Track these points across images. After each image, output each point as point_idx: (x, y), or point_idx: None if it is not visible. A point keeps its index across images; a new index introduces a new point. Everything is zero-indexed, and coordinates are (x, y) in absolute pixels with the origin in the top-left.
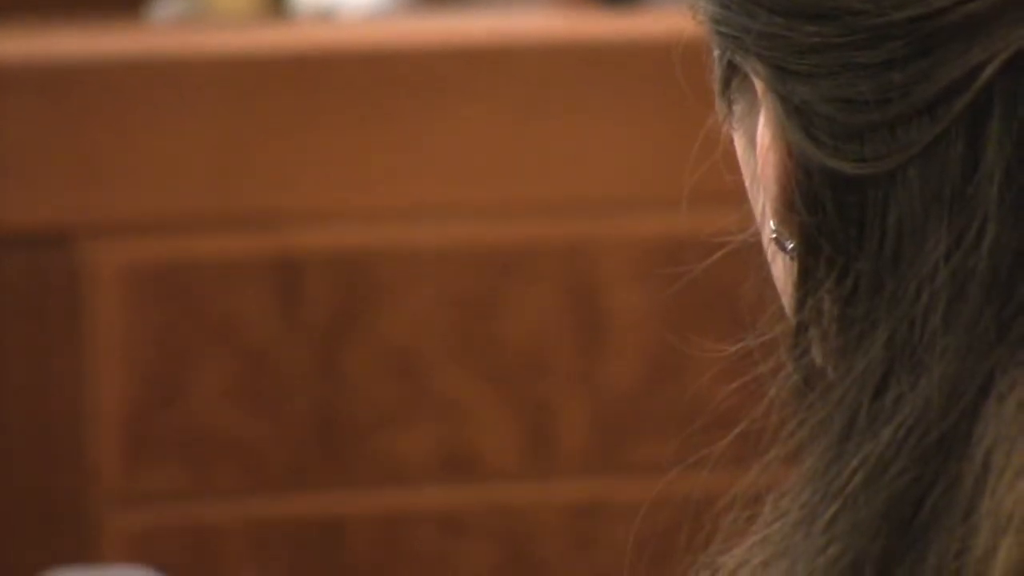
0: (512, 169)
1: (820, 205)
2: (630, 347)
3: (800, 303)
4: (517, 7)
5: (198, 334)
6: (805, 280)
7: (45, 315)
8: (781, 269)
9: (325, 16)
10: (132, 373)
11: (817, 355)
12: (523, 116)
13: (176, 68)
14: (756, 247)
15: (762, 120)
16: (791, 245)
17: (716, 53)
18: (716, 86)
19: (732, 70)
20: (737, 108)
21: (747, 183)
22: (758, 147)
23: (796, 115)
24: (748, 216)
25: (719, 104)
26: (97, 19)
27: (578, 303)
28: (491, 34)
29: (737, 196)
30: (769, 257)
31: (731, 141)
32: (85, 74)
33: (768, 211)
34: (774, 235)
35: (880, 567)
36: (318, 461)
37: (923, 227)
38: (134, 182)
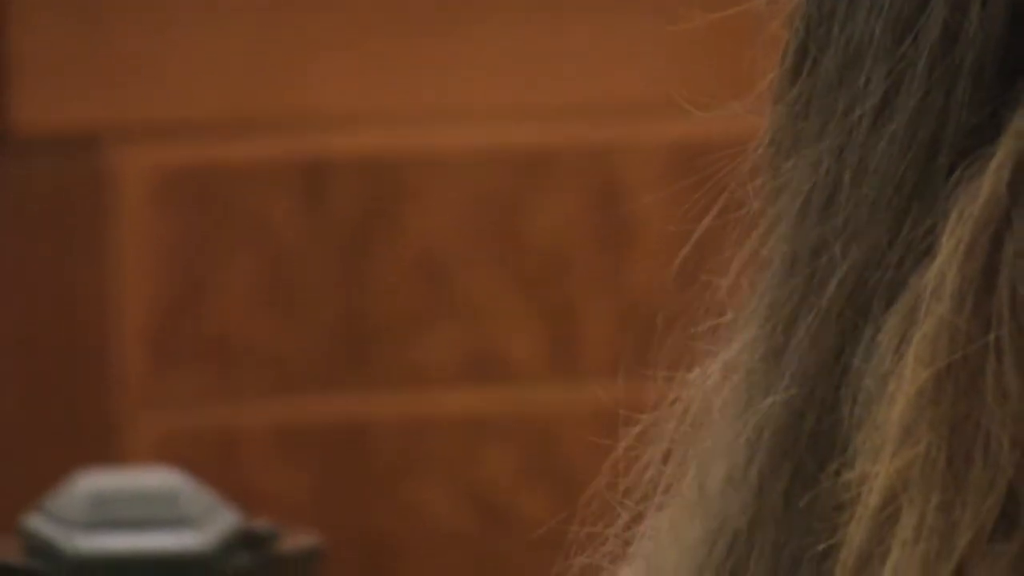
0: (538, 72)
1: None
2: (655, 249)
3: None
4: None
5: (224, 237)
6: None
7: (71, 218)
8: None
9: None
10: (157, 277)
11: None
12: (549, 18)
13: None
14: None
15: None
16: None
17: None
18: None
19: None
20: None
21: None
22: None
23: None
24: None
25: None
26: None
27: (603, 205)
28: None
29: (764, 100)
30: None
31: (760, 43)
32: None
33: None
34: None
35: (818, 415)
36: (343, 364)
37: (864, 58)
38: (161, 86)
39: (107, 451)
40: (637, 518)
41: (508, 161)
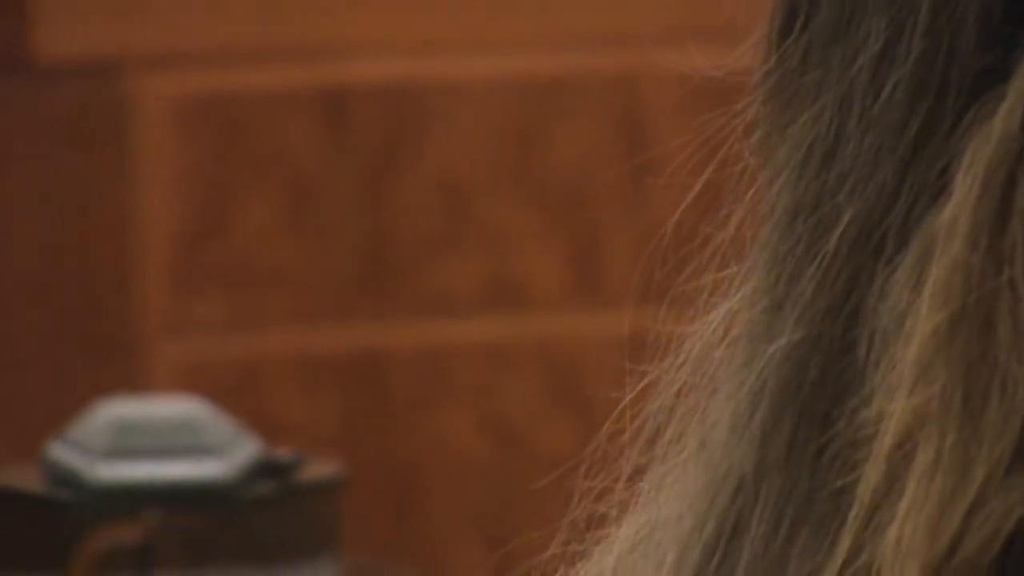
0: (561, 0)
1: None
2: (676, 177)
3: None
4: None
5: (245, 165)
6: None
7: (92, 147)
8: None
9: None
10: (179, 205)
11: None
12: None
13: None
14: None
15: None
16: None
17: None
18: None
19: None
20: None
21: None
22: None
23: None
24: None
25: None
26: None
27: (626, 133)
28: None
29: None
30: None
31: None
32: None
33: None
34: None
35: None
36: (364, 292)
37: (862, 10)
38: (183, 13)
39: (129, 380)
40: (641, 469)
41: (530, 89)
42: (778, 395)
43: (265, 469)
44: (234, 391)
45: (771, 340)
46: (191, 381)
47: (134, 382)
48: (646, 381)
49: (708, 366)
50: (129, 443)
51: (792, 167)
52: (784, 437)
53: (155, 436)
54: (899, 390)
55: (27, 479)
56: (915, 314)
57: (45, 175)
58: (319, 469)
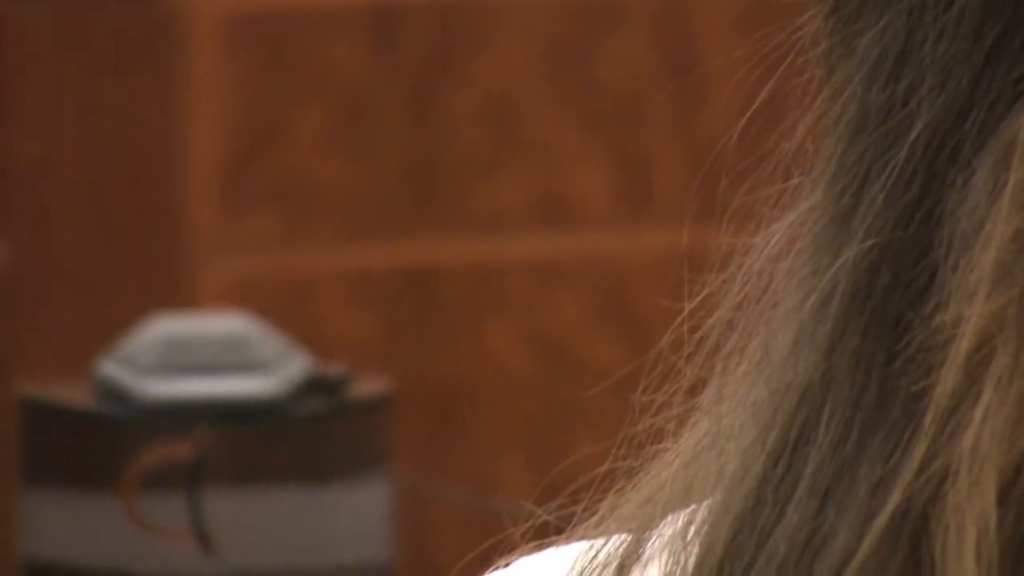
0: None
1: None
2: (725, 94)
3: None
4: None
5: (294, 82)
6: None
7: (141, 66)
8: None
9: None
10: (227, 122)
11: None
12: None
13: None
14: None
15: None
16: None
17: None
18: None
19: None
20: None
21: None
22: None
23: None
24: None
25: None
26: None
27: (674, 49)
28: None
29: None
30: None
31: None
32: None
33: None
34: None
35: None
36: (413, 209)
37: None
38: None
39: (179, 297)
40: (701, 382)
41: (579, 5)
42: (847, 303)
43: (314, 385)
44: (284, 308)
45: (839, 250)
46: (241, 298)
47: (184, 299)
48: (703, 295)
49: (770, 279)
50: (179, 359)
51: (859, 78)
52: (853, 344)
53: (205, 352)
54: (977, 294)
55: (78, 396)
56: (994, 218)
57: (95, 95)
58: (368, 385)
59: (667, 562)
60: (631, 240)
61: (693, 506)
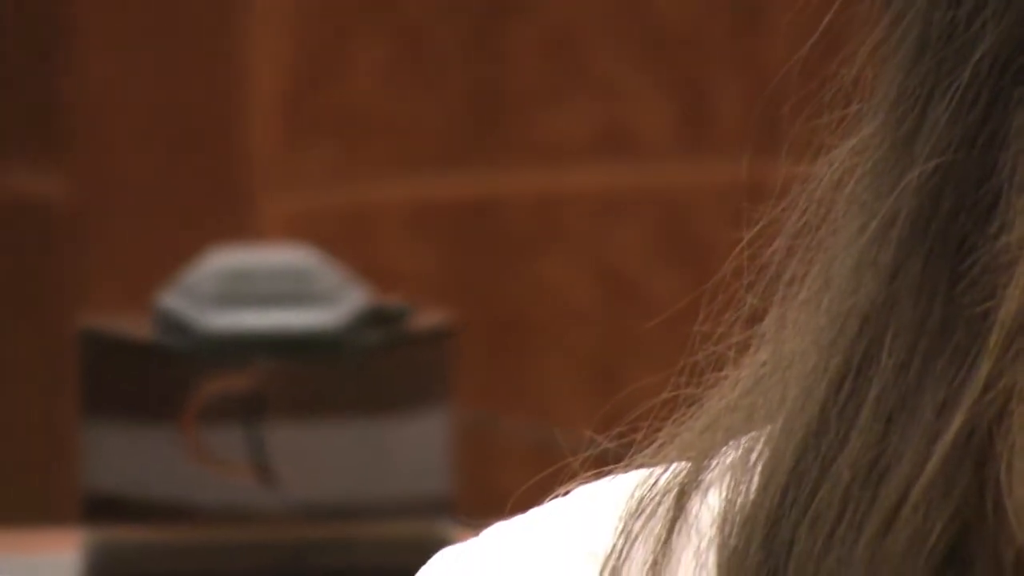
0: None
1: None
2: (786, 22)
3: None
4: None
5: (354, 12)
6: None
7: None
8: None
9: None
10: (289, 53)
11: None
12: None
13: None
14: None
15: None
16: None
17: None
18: None
19: None
20: None
21: None
22: None
23: None
24: None
25: None
26: None
27: None
28: None
29: None
30: None
31: None
32: None
33: None
34: None
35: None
36: (473, 140)
37: None
38: None
39: (239, 229)
40: (762, 310)
41: None
42: (909, 227)
43: (375, 318)
44: (344, 239)
45: (901, 174)
46: (301, 230)
47: (245, 231)
48: (764, 224)
49: (830, 205)
50: (240, 292)
51: (921, 1)
52: (916, 268)
53: (266, 285)
54: None
55: (139, 328)
56: None
57: (156, 27)
58: (429, 318)
59: (728, 488)
60: (691, 171)
61: (754, 433)
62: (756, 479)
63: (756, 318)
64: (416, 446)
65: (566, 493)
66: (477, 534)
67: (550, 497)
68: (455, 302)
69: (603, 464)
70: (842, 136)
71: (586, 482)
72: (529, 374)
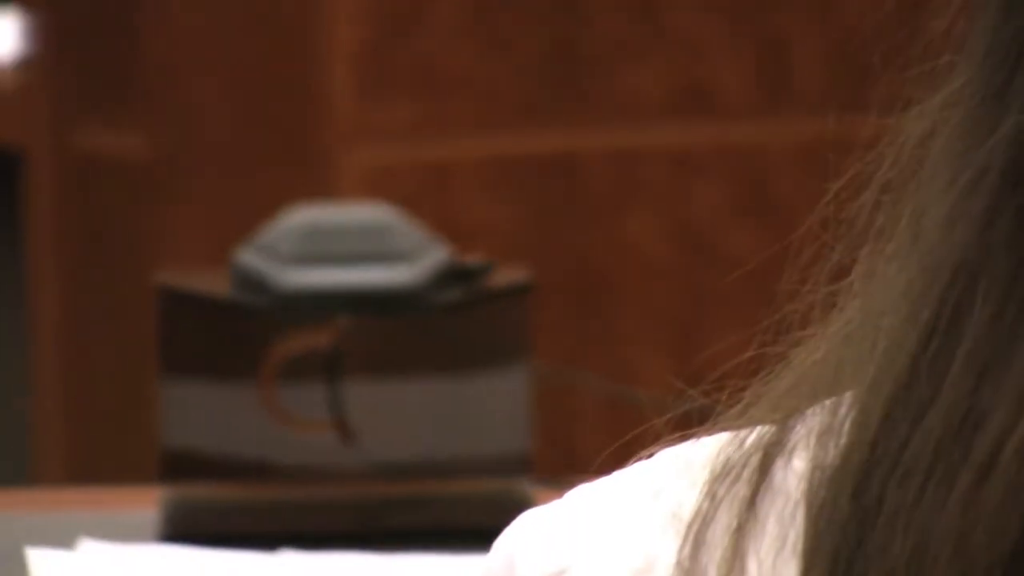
0: None
1: None
2: None
3: None
4: None
5: None
6: None
7: None
8: None
9: None
10: (367, 9)
11: None
12: None
13: None
14: None
15: None
16: None
17: None
18: None
19: None
20: None
21: None
22: None
23: None
24: None
25: None
26: None
27: None
28: None
29: None
30: None
31: None
32: None
33: None
34: None
35: None
36: (551, 96)
37: None
38: None
39: (318, 186)
40: (847, 265)
41: None
42: (1002, 179)
43: (454, 275)
44: (422, 197)
45: (993, 126)
46: (380, 187)
47: (323, 188)
48: (848, 177)
49: (920, 159)
50: (318, 248)
51: None
52: (1009, 220)
53: (344, 241)
54: None
55: (217, 285)
56: None
57: None
58: (508, 275)
59: (816, 448)
60: (771, 128)
61: (842, 390)
62: (844, 436)
63: (842, 273)
64: (495, 404)
65: (649, 456)
66: (556, 494)
67: (634, 459)
68: (534, 259)
69: (686, 425)
70: (931, 89)
71: (669, 444)
72: (609, 332)
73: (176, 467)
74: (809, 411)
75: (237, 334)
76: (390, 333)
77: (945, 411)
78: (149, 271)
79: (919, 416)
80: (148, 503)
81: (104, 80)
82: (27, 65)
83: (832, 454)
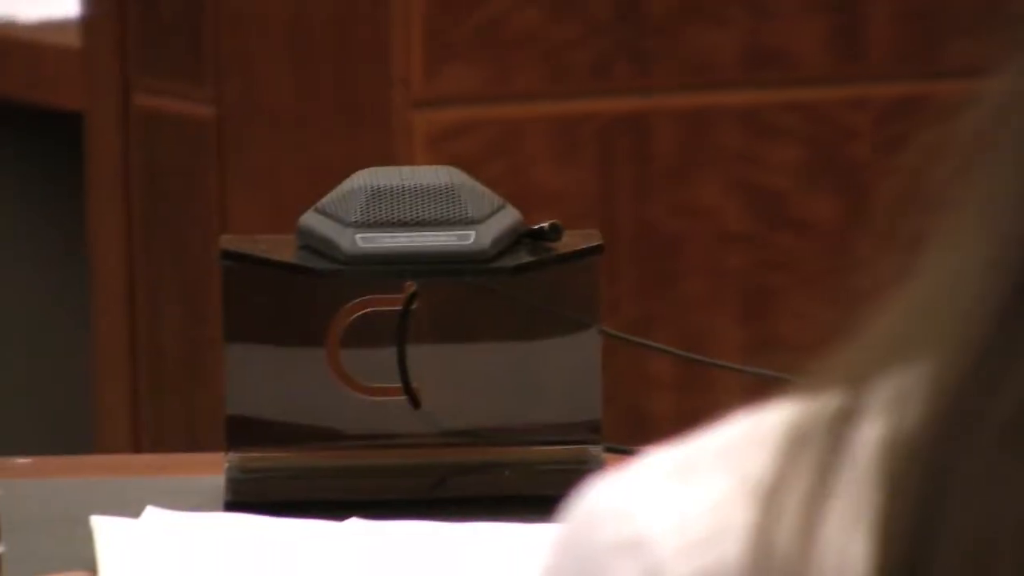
0: None
1: None
2: None
3: None
4: None
5: None
6: None
7: None
8: None
9: None
10: None
11: None
12: None
13: None
14: None
15: None
16: None
17: None
18: None
19: None
20: None
21: None
22: None
23: None
24: None
25: None
26: None
27: None
28: None
29: None
30: None
31: None
32: None
33: None
34: None
35: None
36: (624, 59)
37: None
38: None
39: (386, 149)
40: (921, 234)
41: None
42: None
43: (523, 238)
44: (491, 160)
45: None
46: (448, 149)
47: (391, 152)
48: (923, 148)
49: (996, 128)
50: (386, 213)
51: None
52: None
53: (412, 205)
54: None
55: (283, 249)
56: None
57: None
58: (578, 238)
59: (889, 416)
60: (847, 92)
61: (915, 360)
62: (918, 406)
63: (916, 242)
64: (565, 369)
65: (722, 422)
66: (627, 459)
67: (704, 426)
68: (605, 223)
69: (758, 391)
70: (1010, 58)
71: (741, 411)
72: (681, 296)
73: (242, 433)
74: (882, 379)
75: (304, 299)
76: (459, 297)
77: (1019, 383)
78: (213, 231)
79: (992, 388)
80: (215, 469)
81: (168, 39)
82: (90, 24)
83: (904, 424)
